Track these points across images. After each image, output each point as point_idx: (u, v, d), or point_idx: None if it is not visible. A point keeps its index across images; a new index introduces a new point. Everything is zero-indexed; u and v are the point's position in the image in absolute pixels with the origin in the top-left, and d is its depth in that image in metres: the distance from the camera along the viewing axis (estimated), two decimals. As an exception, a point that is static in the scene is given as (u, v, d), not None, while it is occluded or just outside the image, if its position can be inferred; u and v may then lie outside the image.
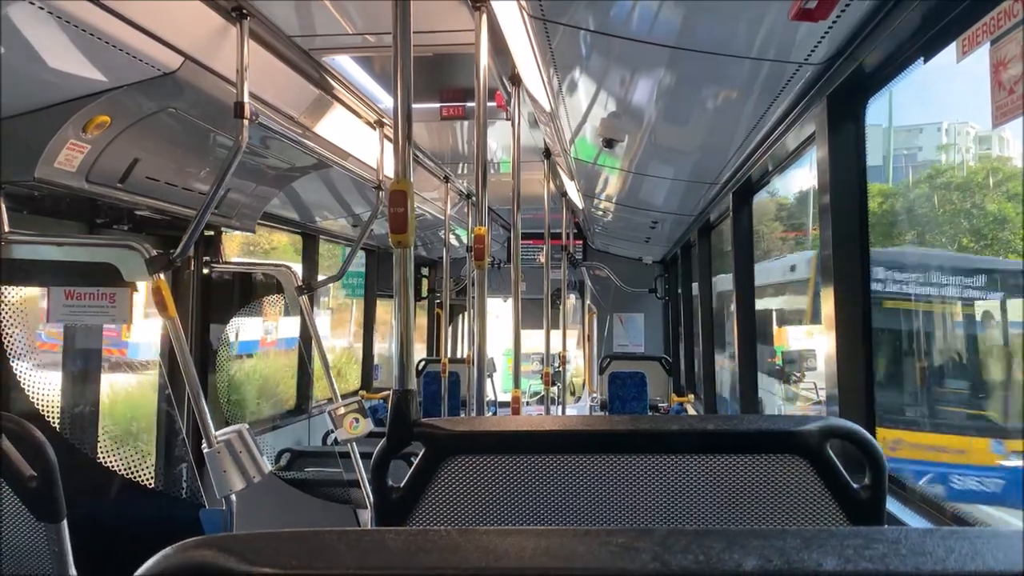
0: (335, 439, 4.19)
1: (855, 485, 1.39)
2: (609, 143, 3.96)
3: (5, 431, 1.66)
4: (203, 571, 0.62)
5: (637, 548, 0.62)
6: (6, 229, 3.03)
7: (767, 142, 3.60)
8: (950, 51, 2.10)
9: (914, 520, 2.39)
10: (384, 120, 4.40)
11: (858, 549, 0.62)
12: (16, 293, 3.40)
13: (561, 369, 7.75)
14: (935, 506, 2.43)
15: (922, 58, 2.24)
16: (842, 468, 1.39)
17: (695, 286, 7.18)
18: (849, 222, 2.68)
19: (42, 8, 2.23)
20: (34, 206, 3.38)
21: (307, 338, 5.48)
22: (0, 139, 2.91)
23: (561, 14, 2.56)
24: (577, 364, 11.58)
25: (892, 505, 2.46)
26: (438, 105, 4.42)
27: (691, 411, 8.08)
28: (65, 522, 1.71)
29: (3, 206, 3.02)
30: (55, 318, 3.31)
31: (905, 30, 2.13)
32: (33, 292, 3.48)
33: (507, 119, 3.92)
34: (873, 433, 2.57)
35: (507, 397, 4.02)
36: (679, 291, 8.79)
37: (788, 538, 0.64)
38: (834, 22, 2.18)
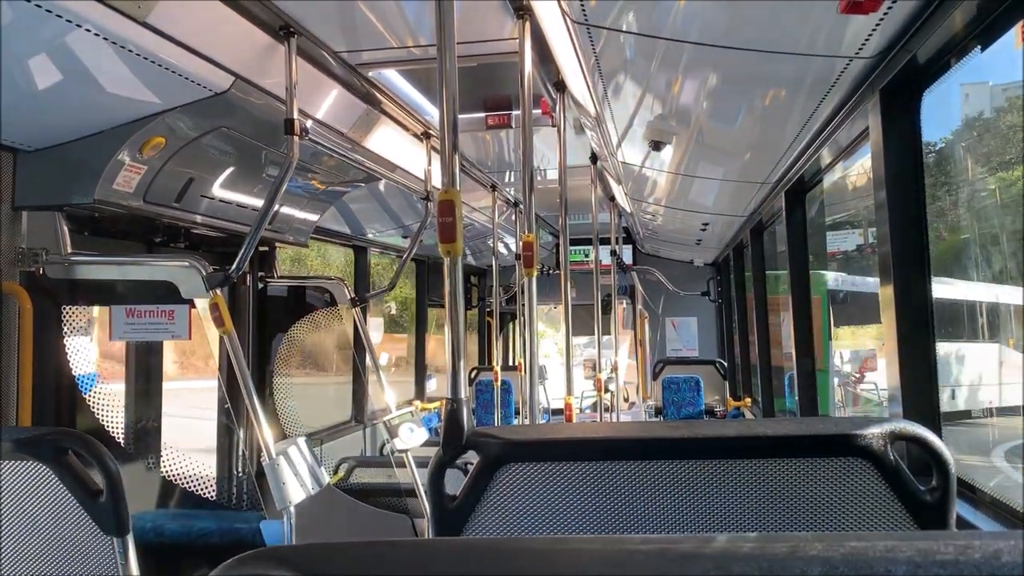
0: (391, 449, 4.22)
1: (922, 488, 1.35)
2: (657, 145, 3.93)
3: (71, 447, 1.71)
4: None
5: (698, 556, 0.61)
6: (68, 250, 3.12)
7: (819, 139, 3.53)
8: (1008, 38, 2.03)
9: (986, 524, 2.31)
10: (431, 131, 4.43)
11: (929, 554, 0.59)
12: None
13: (613, 375, 7.70)
14: (1008, 509, 2.35)
15: (979, 47, 2.17)
16: (908, 470, 1.35)
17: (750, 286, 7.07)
18: (907, 218, 2.61)
19: (97, 34, 2.30)
20: (94, 227, 3.47)
21: (361, 349, 5.54)
22: (61, 163, 3.01)
23: (604, 18, 2.54)
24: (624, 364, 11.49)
25: (961, 508, 2.39)
26: (484, 115, 4.44)
27: (748, 415, 7.95)
28: (131, 535, 1.75)
29: (65, 227, 3.12)
30: (117, 336, 3.40)
31: (961, 18, 2.06)
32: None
33: (553, 126, 3.91)
34: (939, 433, 2.49)
35: (560, 404, 4.01)
36: (732, 293, 8.67)
37: (855, 543, 0.62)
38: (885, 13, 2.13)
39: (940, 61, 2.37)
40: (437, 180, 4.30)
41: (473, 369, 9.33)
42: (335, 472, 5.32)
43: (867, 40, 2.34)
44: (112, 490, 1.71)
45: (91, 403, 3.55)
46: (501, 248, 8.13)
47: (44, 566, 1.74)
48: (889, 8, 2.09)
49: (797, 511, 1.36)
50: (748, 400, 8.19)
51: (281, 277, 5.05)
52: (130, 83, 2.70)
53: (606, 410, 7.02)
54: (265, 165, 3.85)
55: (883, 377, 2.83)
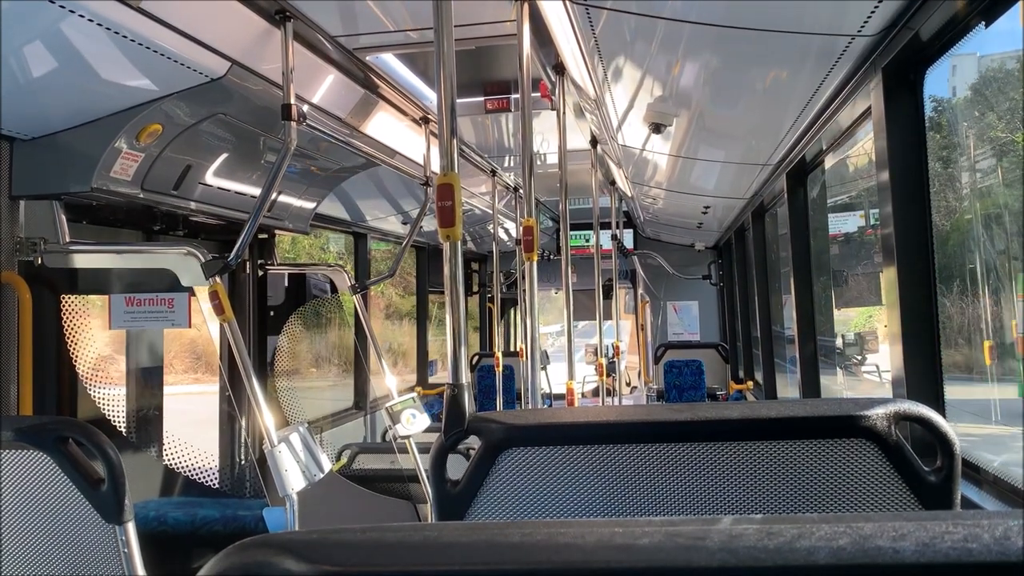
0: (394, 435, 4.22)
1: (926, 468, 1.34)
2: (657, 128, 3.90)
3: (72, 435, 1.71)
4: (263, 570, 0.62)
5: (703, 539, 0.60)
6: (67, 239, 3.11)
7: (820, 120, 3.51)
8: (1013, 14, 2.01)
9: (990, 504, 2.31)
10: (430, 116, 4.41)
11: (937, 535, 0.58)
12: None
13: (616, 360, 7.71)
14: (1012, 488, 2.34)
15: (983, 23, 2.15)
16: (912, 451, 1.34)
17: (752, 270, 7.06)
18: (911, 198, 2.59)
19: (91, 20, 2.28)
20: (92, 215, 3.46)
21: (362, 336, 5.54)
22: (58, 152, 2.99)
23: (604, -2, 2.52)
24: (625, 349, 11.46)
25: (966, 489, 2.38)
26: (482, 99, 4.42)
27: (751, 399, 7.95)
28: (132, 523, 1.75)
29: (63, 216, 3.10)
30: (116, 325, 3.39)
31: (964, -6, 2.04)
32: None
33: (552, 109, 3.89)
34: (943, 414, 2.48)
35: (562, 389, 4.01)
36: (734, 276, 8.66)
37: (861, 524, 0.61)
38: (888, -10, 2.11)
39: (943, 38, 2.35)
40: (436, 165, 4.28)
41: (475, 355, 9.35)
42: (338, 459, 5.33)
43: (869, 18, 2.32)
44: (113, 478, 1.71)
45: (92, 392, 3.55)
46: (501, 233, 8.12)
47: (46, 555, 1.74)
48: (892, -15, 2.07)
49: (801, 493, 1.36)
50: (750, 383, 8.19)
51: (281, 264, 5.04)
52: (126, 70, 2.68)
53: (608, 394, 7.03)
54: (263, 151, 3.83)
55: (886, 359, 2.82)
